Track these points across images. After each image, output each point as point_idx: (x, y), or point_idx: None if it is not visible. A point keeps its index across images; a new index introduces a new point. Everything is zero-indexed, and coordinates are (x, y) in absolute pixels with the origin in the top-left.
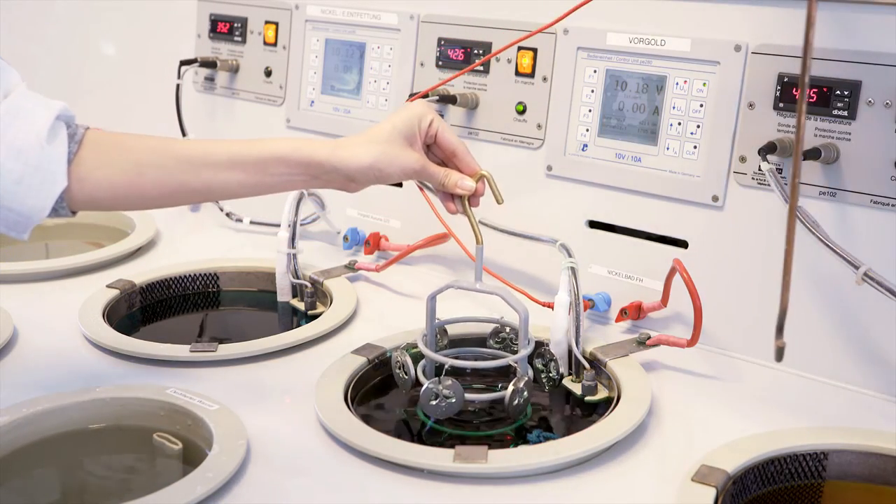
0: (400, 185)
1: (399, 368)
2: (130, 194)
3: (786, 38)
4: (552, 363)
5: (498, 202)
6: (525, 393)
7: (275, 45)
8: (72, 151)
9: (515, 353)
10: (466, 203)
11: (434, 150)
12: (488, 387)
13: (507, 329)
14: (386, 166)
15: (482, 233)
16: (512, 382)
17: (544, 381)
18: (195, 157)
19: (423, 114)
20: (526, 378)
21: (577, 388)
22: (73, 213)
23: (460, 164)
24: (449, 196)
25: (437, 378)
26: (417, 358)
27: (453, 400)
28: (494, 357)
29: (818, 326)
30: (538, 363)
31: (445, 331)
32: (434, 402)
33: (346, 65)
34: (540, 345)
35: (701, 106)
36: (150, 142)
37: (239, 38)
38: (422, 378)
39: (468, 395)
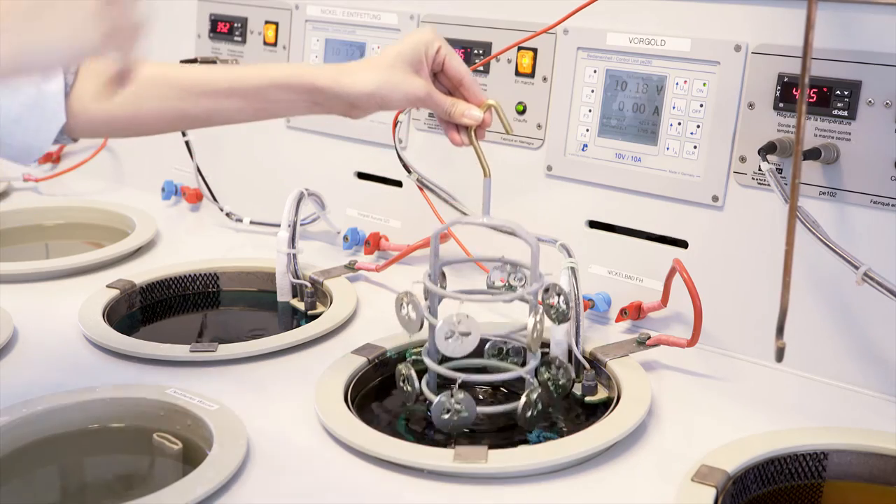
0: (400, 184)
1: (403, 381)
2: (129, 125)
3: (786, 38)
4: (561, 371)
5: (507, 132)
6: (539, 405)
7: (275, 45)
8: (68, 84)
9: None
10: (473, 134)
11: (441, 78)
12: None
13: (509, 268)
14: (389, 92)
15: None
16: (525, 394)
17: (552, 388)
18: (194, 86)
19: (430, 40)
20: (539, 391)
21: (577, 388)
22: (75, 140)
23: (467, 93)
24: (454, 127)
25: (448, 391)
26: (421, 373)
27: (465, 414)
28: (501, 366)
29: (818, 326)
30: (545, 373)
31: (444, 274)
32: (446, 417)
33: None
34: (545, 354)
35: (701, 106)
36: (149, 71)
37: (239, 38)
38: (427, 394)
39: (481, 409)
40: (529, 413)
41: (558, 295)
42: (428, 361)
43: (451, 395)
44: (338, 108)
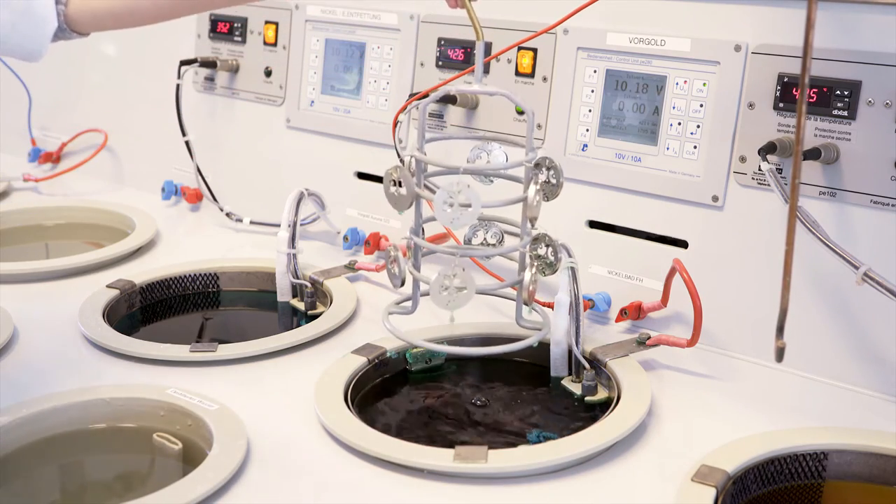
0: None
1: (390, 263)
2: (128, 13)
3: (786, 38)
4: (550, 249)
5: None
6: (537, 280)
7: (275, 45)
8: None
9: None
10: None
11: None
12: None
13: (490, 145)
14: None
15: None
16: (528, 268)
17: (540, 266)
18: None
19: None
20: (536, 264)
21: (577, 388)
22: (86, 34)
23: None
24: None
25: (447, 268)
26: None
27: (466, 290)
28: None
29: (818, 326)
30: (535, 250)
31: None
32: (445, 293)
33: (346, 65)
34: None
35: (701, 106)
36: None
37: (239, 38)
38: (414, 273)
39: (481, 286)
40: (532, 287)
41: (548, 169)
42: (415, 239)
43: (451, 273)
44: None
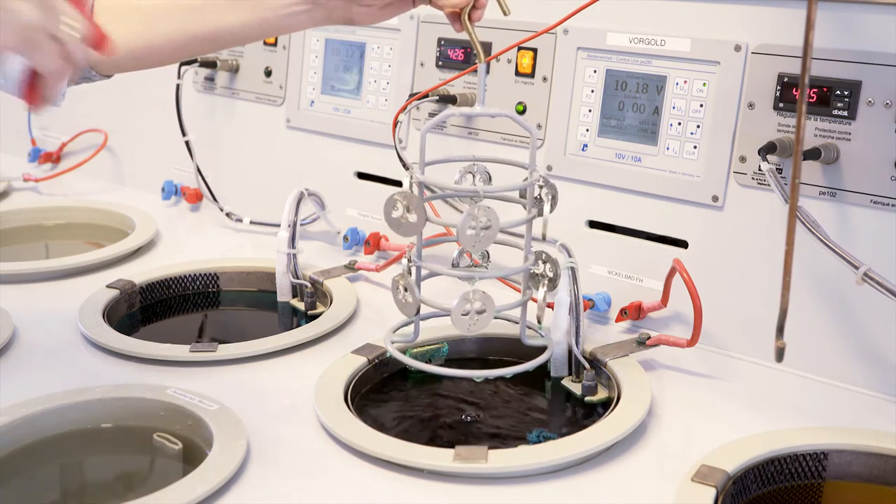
0: (400, 184)
1: (403, 291)
2: (147, 54)
3: (786, 38)
4: (548, 265)
5: (504, 14)
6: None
7: (275, 45)
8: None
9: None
10: (465, 18)
11: None
12: None
13: (477, 168)
14: None
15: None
16: (540, 286)
17: (547, 285)
18: (198, 5)
19: None
20: (546, 285)
21: (577, 388)
22: (108, 76)
23: None
24: (456, 14)
25: (467, 292)
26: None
27: (485, 312)
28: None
29: (818, 326)
30: (533, 267)
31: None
32: (465, 317)
33: (346, 65)
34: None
35: (701, 106)
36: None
37: None
38: (430, 301)
39: (499, 307)
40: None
41: (541, 188)
42: (434, 266)
43: (471, 294)
44: (336, 8)
